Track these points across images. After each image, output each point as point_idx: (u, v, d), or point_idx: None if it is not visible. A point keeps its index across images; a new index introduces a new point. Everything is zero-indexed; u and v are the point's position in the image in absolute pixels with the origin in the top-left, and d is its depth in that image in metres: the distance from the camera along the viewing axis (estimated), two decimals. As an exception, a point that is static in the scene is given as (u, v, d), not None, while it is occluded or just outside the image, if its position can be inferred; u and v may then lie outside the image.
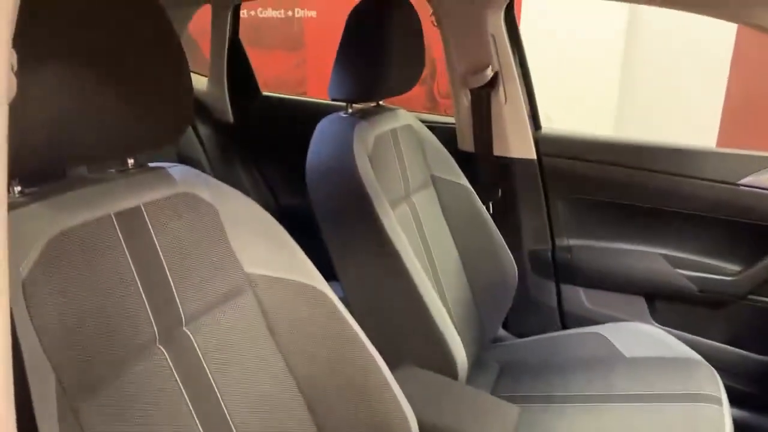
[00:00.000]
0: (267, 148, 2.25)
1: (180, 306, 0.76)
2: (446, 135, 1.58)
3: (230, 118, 2.20)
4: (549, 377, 1.38)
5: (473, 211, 1.50)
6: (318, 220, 1.24)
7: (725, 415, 1.16)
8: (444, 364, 1.15)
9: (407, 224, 1.32)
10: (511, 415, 1.01)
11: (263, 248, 0.86)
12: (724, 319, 1.57)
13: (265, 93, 2.27)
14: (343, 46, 1.27)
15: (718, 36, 3.13)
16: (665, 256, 1.59)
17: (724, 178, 1.49)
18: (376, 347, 0.87)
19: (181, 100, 0.77)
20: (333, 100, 1.31)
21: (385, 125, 1.35)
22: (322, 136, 1.27)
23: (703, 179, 1.52)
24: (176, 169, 0.84)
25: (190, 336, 0.76)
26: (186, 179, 0.83)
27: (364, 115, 1.33)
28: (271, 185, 2.28)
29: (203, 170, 2.11)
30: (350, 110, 1.33)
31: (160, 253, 0.75)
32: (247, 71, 2.23)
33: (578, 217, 1.68)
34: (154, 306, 0.73)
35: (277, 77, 3.88)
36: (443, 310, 1.18)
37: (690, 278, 1.56)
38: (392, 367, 0.89)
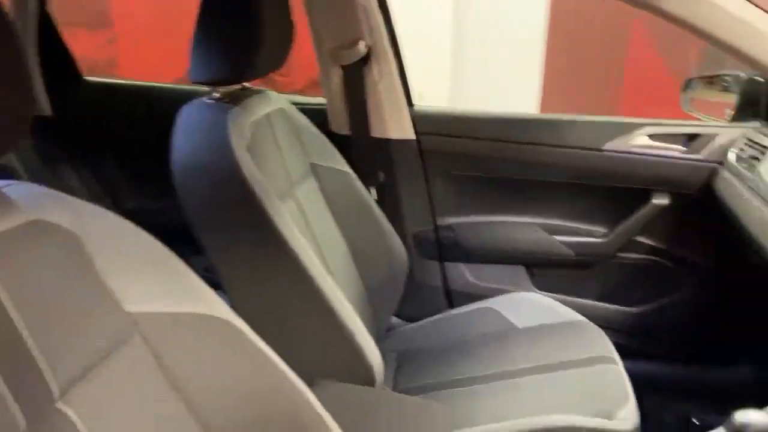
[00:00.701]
0: (97, 142, 1.92)
1: (46, 376, 0.56)
2: (316, 117, 1.45)
3: (47, 109, 1.84)
4: (449, 360, 1.35)
5: (358, 198, 1.40)
6: (194, 225, 1.05)
7: (622, 371, 1.21)
8: (360, 370, 1.05)
9: (295, 222, 1.18)
10: (446, 418, 0.94)
11: (146, 277, 0.68)
12: (599, 279, 1.66)
13: (88, 78, 1.93)
14: (203, 22, 1.08)
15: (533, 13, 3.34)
16: (542, 225, 1.63)
17: (590, 145, 1.55)
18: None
19: (18, 96, 0.56)
20: (195, 83, 1.12)
21: (258, 111, 1.19)
22: (188, 126, 1.07)
23: (570, 147, 1.56)
24: (13, 189, 0.62)
25: (68, 413, 0.57)
26: (31, 201, 0.61)
27: (233, 99, 1.15)
28: (107, 187, 1.96)
29: (18, 177, 1.76)
30: (217, 95, 1.14)
31: (8, 307, 0.54)
32: (63, 52, 1.87)
33: (457, 194, 1.66)
34: (11, 381, 0.52)
35: (83, 58, 3.39)
36: (352, 312, 1.07)
37: (565, 244, 1.61)
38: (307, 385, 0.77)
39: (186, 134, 1.06)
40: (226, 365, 0.69)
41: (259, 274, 1.04)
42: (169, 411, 0.66)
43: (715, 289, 1.60)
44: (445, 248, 1.68)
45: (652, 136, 1.53)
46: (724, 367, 1.67)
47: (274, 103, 1.27)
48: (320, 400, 0.76)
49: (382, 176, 1.61)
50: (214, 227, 1.04)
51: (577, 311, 1.44)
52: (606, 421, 1.05)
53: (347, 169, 1.40)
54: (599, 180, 1.57)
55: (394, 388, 1.31)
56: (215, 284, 0.82)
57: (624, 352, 1.27)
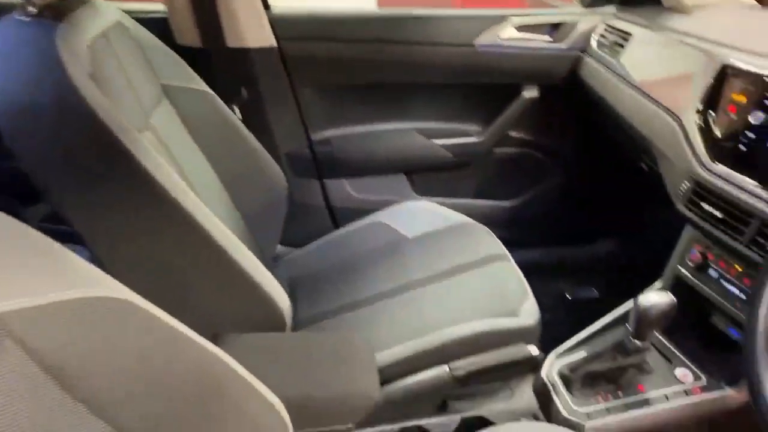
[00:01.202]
0: None
1: None
2: (156, 28, 1.23)
3: None
4: (346, 281, 1.29)
5: (221, 119, 1.23)
6: (31, 173, 0.84)
7: (515, 267, 1.24)
8: (268, 314, 0.95)
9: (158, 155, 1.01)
10: (366, 347, 0.89)
11: (13, 266, 0.51)
12: (477, 177, 1.67)
13: None
14: None
15: None
16: (419, 130, 1.59)
17: (461, 41, 1.50)
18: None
19: None
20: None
21: (91, 27, 0.96)
22: (3, 55, 0.83)
23: (442, 44, 1.50)
24: None
25: None
26: None
27: (55, 14, 0.91)
28: None
29: None
30: (33, 9, 0.89)
31: None
32: None
33: (329, 105, 1.54)
34: None
35: None
36: (246, 250, 0.95)
37: (444, 146, 1.59)
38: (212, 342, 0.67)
39: (2, 65, 0.82)
40: (119, 345, 0.56)
41: (131, 224, 0.87)
42: (68, 418, 0.53)
43: (580, 175, 1.70)
44: (323, 165, 1.58)
45: (519, 28, 1.52)
46: (590, 244, 1.81)
47: (107, 15, 1.04)
48: (231, 353, 0.66)
49: (244, 92, 1.43)
50: (63, 174, 0.84)
51: (460, 212, 1.44)
52: (514, 319, 1.07)
53: (204, 87, 1.21)
54: (472, 77, 1.54)
55: (294, 320, 1.24)
56: (61, 236, 0.66)
57: (506, 245, 1.30)
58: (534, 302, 1.12)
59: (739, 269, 0.95)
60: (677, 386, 0.94)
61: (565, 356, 1.05)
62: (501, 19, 1.50)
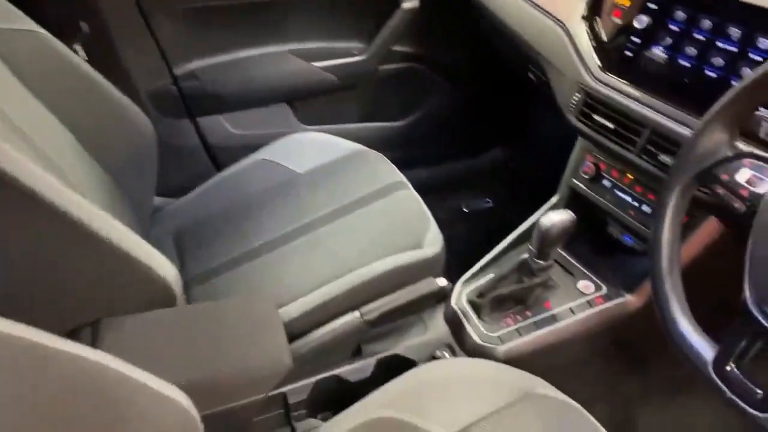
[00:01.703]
0: None
1: None
2: None
3: None
4: (238, 229, 1.19)
5: (61, 63, 1.04)
6: None
7: (414, 194, 1.20)
8: (155, 289, 0.84)
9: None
10: (271, 312, 0.82)
11: None
12: (364, 99, 1.58)
13: None
14: None
15: None
16: (296, 52, 1.45)
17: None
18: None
19: None
20: None
21: None
22: None
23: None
24: None
25: None
26: None
27: None
28: None
29: None
30: None
31: None
32: None
33: (191, 32, 1.36)
34: None
35: None
36: (117, 223, 0.83)
37: (325, 69, 1.47)
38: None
39: None
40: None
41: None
42: None
43: (469, 87, 1.66)
44: (193, 101, 1.42)
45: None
46: (482, 155, 1.81)
47: None
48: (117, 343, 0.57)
49: (85, 27, 1.22)
50: None
51: (350, 139, 1.37)
52: (419, 251, 1.04)
53: (34, 26, 1.01)
54: None
55: (185, 279, 1.13)
56: None
57: (401, 166, 1.26)
58: (437, 230, 1.09)
59: (632, 177, 0.97)
60: (581, 299, 0.97)
61: (472, 282, 1.05)
62: None
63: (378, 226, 1.09)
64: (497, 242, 1.10)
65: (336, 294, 0.97)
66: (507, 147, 1.80)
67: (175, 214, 1.28)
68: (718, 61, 0.83)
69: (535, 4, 1.10)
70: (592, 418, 0.75)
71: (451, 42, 1.57)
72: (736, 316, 0.56)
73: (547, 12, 1.06)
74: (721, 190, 0.63)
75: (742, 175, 0.62)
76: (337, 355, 1.00)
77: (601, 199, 1.00)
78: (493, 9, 1.25)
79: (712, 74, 0.84)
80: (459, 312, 1.00)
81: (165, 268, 0.86)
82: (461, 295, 1.02)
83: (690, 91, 0.86)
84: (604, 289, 0.97)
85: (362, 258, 1.02)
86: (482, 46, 1.52)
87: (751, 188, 0.61)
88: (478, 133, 1.76)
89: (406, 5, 1.46)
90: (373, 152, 1.29)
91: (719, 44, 0.84)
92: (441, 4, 1.48)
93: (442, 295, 1.02)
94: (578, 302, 0.96)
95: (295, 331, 0.96)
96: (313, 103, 1.54)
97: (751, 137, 0.71)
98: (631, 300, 0.95)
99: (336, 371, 0.97)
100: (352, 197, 1.17)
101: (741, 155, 0.63)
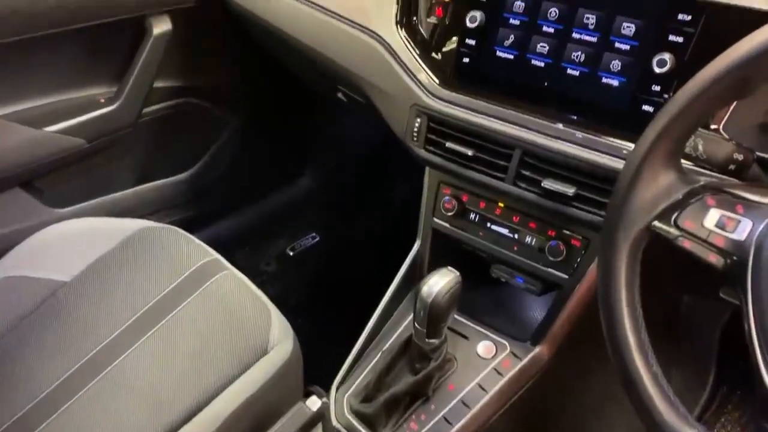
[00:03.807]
0: None
1: None
2: None
3: None
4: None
5: None
6: None
7: (233, 271, 0.91)
8: None
9: None
10: None
11: None
12: (132, 156, 1.22)
13: None
14: None
15: None
16: (15, 116, 1.04)
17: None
18: None
19: None
20: None
21: None
22: None
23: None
24: None
25: None
26: None
27: None
28: None
29: None
30: None
31: None
32: None
33: None
34: None
35: None
36: None
37: (65, 131, 1.09)
38: None
39: None
40: None
41: None
42: None
43: (258, 113, 1.38)
44: None
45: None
46: (292, 184, 1.55)
47: None
48: None
49: None
50: None
51: (125, 215, 1.03)
52: (266, 360, 0.77)
53: None
54: (82, 20, 1.03)
55: None
56: None
57: (200, 229, 0.95)
58: (279, 318, 0.83)
59: (503, 205, 0.80)
60: (486, 368, 0.78)
61: (350, 382, 0.80)
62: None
63: (198, 339, 0.79)
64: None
65: None
66: (319, 168, 1.56)
67: None
68: (578, 55, 0.69)
69: (332, 12, 0.87)
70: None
71: (225, 65, 1.28)
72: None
73: (351, 21, 0.83)
74: (688, 244, 0.47)
75: (711, 219, 0.46)
76: None
77: (473, 237, 0.82)
78: (274, 22, 0.99)
79: (575, 72, 0.69)
80: (346, 432, 0.75)
81: None
82: (343, 408, 0.77)
83: (554, 95, 0.71)
84: (508, 348, 0.80)
85: (189, 397, 0.72)
86: (266, 62, 1.25)
87: (727, 234, 0.45)
88: (283, 161, 1.50)
89: (156, 31, 1.13)
90: (163, 226, 0.96)
91: (575, 35, 0.69)
92: (199, 21, 1.17)
93: (318, 415, 0.77)
94: (485, 373, 0.77)
95: None
96: (61, 176, 1.14)
97: (690, 159, 0.57)
98: (541, 351, 0.78)
99: None
100: (150, 301, 0.84)
101: (700, 191, 0.47)
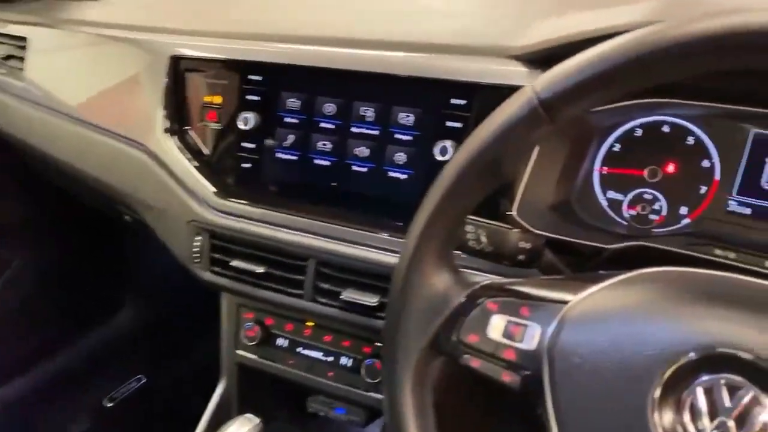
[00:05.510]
0: None
1: None
2: None
3: None
4: None
5: None
6: None
7: None
8: None
9: None
10: None
11: None
12: None
13: None
14: None
15: None
16: None
17: None
18: None
19: None
20: None
21: None
22: None
23: None
24: None
25: None
26: None
27: None
28: None
29: None
30: None
31: None
32: None
33: None
34: None
35: None
36: None
37: None
38: None
39: None
40: None
41: None
42: None
43: (53, 246, 1.19)
44: None
45: None
46: (103, 324, 1.34)
47: None
48: None
49: None
50: None
51: None
52: None
53: None
54: None
55: None
56: None
57: None
58: None
59: (311, 324, 0.69)
60: None
61: None
62: None
63: None
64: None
65: None
66: (134, 300, 1.37)
67: None
68: (362, 150, 0.62)
69: (90, 123, 0.75)
70: None
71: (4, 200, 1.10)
72: None
73: (112, 132, 0.72)
74: (476, 363, 0.38)
75: (495, 328, 0.38)
76: None
77: (283, 367, 0.69)
78: (28, 139, 0.85)
79: (362, 168, 0.62)
80: None
81: None
82: None
83: (344, 196, 0.63)
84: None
85: None
86: (50, 189, 1.09)
87: (516, 344, 0.37)
88: (87, 299, 1.29)
89: None
90: None
91: (355, 129, 0.63)
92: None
93: None
94: None
95: None
96: None
97: (478, 254, 0.49)
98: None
99: None
100: None
101: (480, 293, 0.39)
